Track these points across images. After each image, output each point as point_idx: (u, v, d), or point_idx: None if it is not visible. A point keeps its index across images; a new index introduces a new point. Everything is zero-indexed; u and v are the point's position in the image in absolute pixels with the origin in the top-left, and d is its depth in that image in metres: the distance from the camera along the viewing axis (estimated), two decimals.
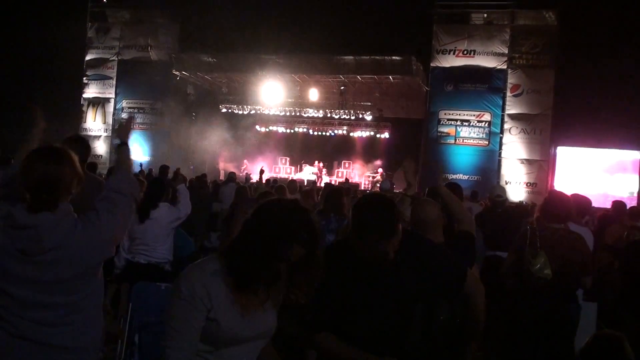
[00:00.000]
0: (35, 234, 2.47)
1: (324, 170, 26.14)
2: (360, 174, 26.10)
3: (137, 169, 18.56)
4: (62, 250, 2.51)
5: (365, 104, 25.18)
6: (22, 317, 2.49)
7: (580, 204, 5.82)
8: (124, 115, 24.24)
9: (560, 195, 5.13)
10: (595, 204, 14.20)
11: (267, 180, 18.32)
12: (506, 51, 21.32)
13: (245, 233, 2.26)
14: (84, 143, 4.75)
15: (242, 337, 2.28)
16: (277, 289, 2.33)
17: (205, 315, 2.19)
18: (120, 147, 3.17)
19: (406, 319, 2.62)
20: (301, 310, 2.43)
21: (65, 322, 2.56)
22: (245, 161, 26.05)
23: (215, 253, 2.35)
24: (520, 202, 16.11)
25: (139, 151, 25.05)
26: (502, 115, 21.36)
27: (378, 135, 25.73)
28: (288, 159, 27.94)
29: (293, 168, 27.41)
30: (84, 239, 2.57)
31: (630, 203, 12.17)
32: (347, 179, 23.45)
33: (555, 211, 4.86)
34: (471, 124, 21.60)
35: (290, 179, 17.67)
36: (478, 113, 21.52)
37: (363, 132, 26.11)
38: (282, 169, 27.35)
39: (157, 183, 6.72)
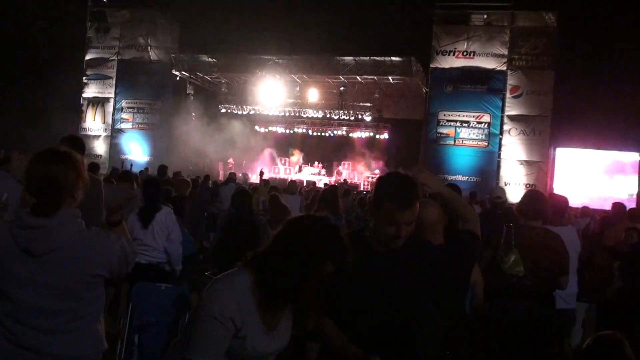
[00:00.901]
0: (41, 234, 2.47)
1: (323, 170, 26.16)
2: (359, 174, 26.12)
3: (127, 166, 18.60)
4: (67, 252, 2.50)
5: (364, 104, 25.20)
6: (22, 324, 2.47)
7: (557, 204, 5.82)
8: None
9: (536, 193, 5.23)
10: (594, 206, 14.30)
11: (266, 180, 18.31)
12: (506, 52, 21.34)
13: (280, 249, 2.22)
14: (78, 143, 4.75)
15: (262, 353, 2.28)
16: (302, 304, 2.31)
17: (233, 334, 2.18)
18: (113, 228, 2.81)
19: (401, 315, 2.63)
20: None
21: (65, 330, 2.54)
22: (230, 160, 26.02)
23: (242, 264, 2.31)
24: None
25: (139, 151, 25.08)
26: (502, 117, 21.37)
27: (377, 136, 25.78)
28: (287, 159, 27.97)
29: (292, 168, 27.43)
30: (91, 246, 2.56)
31: (630, 205, 12.15)
32: (345, 180, 23.45)
33: (530, 208, 4.90)
34: (471, 125, 21.61)
35: (289, 179, 17.64)
36: (477, 114, 21.54)
37: (362, 133, 26.16)
38: (282, 170, 27.36)
39: (153, 184, 6.59)
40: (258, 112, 25.79)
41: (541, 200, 4.99)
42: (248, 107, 25.48)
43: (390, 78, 22.70)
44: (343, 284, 2.64)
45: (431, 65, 22.09)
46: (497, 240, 4.78)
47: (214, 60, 24.17)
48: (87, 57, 25.89)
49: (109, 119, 25.71)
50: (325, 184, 15.13)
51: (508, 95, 21.37)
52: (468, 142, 21.66)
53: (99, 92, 25.85)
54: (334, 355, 2.69)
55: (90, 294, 2.61)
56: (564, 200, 5.92)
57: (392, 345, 2.60)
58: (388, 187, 2.63)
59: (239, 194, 6.70)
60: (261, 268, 2.22)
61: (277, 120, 26.96)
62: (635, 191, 19.67)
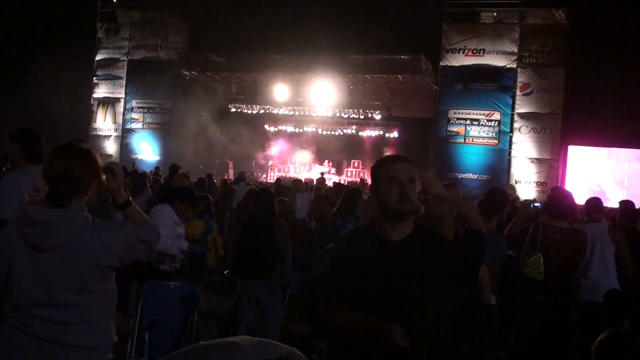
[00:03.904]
0: (48, 229, 2.51)
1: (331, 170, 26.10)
2: (369, 173, 26.06)
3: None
4: (74, 246, 2.54)
5: (374, 103, 25.15)
6: (34, 316, 2.52)
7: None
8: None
9: (563, 192, 5.07)
10: (605, 204, 14.18)
11: (277, 179, 18.34)
12: (516, 50, 21.24)
13: None
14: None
15: None
16: None
17: None
18: (124, 210, 2.82)
19: (408, 302, 2.64)
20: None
21: (77, 321, 2.58)
22: (230, 162, 26.08)
23: None
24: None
25: (149, 150, 25.17)
26: (512, 115, 21.28)
27: (387, 135, 25.72)
28: (297, 158, 28.00)
29: (302, 167, 27.47)
30: (97, 238, 2.60)
31: None
32: (361, 179, 23.39)
33: (558, 209, 4.82)
34: (481, 123, 21.53)
35: (294, 178, 17.63)
36: (488, 112, 21.45)
37: (372, 132, 26.12)
38: (292, 169, 27.41)
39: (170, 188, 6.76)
40: (268, 111, 25.82)
41: (568, 199, 4.90)
42: (258, 106, 25.52)
43: (399, 76, 22.65)
44: (354, 273, 2.68)
45: (441, 63, 22.03)
46: (521, 238, 4.74)
47: (224, 59, 24.17)
48: (98, 57, 26.01)
49: (120, 119, 25.81)
50: (335, 183, 15.09)
51: (518, 92, 21.27)
52: (478, 140, 21.58)
53: (109, 93, 25.96)
54: (346, 346, 2.70)
55: (100, 285, 2.65)
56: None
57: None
58: (379, 160, 2.83)
59: (260, 192, 6.61)
60: None
61: (287, 119, 26.97)
62: None
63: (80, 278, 2.56)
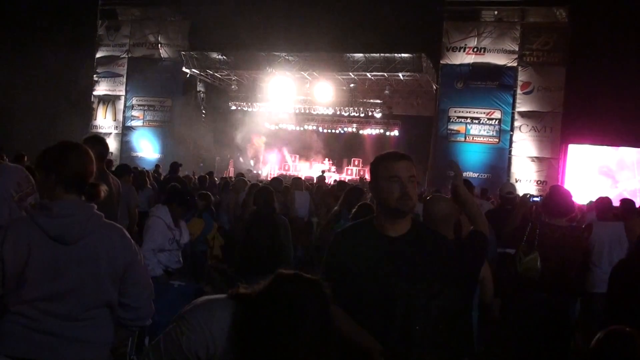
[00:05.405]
0: (72, 222, 2.56)
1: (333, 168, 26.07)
2: (369, 171, 26.01)
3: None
4: (95, 239, 2.59)
5: (374, 101, 25.17)
6: (43, 310, 2.52)
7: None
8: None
9: (562, 190, 5.06)
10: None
11: (276, 177, 18.29)
12: (516, 48, 21.23)
13: (268, 313, 1.94)
14: (104, 143, 5.04)
15: None
16: None
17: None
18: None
19: (405, 296, 2.64)
20: None
21: (86, 317, 2.60)
22: (230, 159, 26.09)
23: (233, 295, 2.10)
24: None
25: (149, 148, 25.16)
26: (513, 113, 21.28)
27: (388, 133, 25.73)
28: (297, 156, 28.00)
29: (302, 165, 27.48)
30: (112, 234, 2.67)
31: None
32: (361, 177, 23.40)
33: (557, 207, 4.81)
34: (481, 121, 21.53)
35: (294, 176, 17.61)
36: (488, 111, 21.44)
37: (372, 130, 26.13)
38: (292, 167, 27.41)
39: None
40: (268, 109, 25.80)
41: (567, 198, 4.89)
42: (258, 104, 25.49)
43: (400, 75, 22.64)
44: (351, 268, 2.71)
45: (441, 62, 22.02)
46: (518, 236, 4.73)
47: (224, 57, 24.18)
48: (98, 54, 25.99)
49: (120, 117, 25.79)
50: (336, 181, 15.07)
51: (519, 91, 21.27)
52: (478, 138, 21.58)
53: (109, 90, 25.94)
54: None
55: (113, 283, 2.67)
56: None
57: (396, 325, 2.61)
58: (378, 157, 2.84)
59: (261, 191, 6.62)
60: (245, 319, 2.00)
61: (288, 118, 26.96)
62: None
63: (96, 273, 2.60)
